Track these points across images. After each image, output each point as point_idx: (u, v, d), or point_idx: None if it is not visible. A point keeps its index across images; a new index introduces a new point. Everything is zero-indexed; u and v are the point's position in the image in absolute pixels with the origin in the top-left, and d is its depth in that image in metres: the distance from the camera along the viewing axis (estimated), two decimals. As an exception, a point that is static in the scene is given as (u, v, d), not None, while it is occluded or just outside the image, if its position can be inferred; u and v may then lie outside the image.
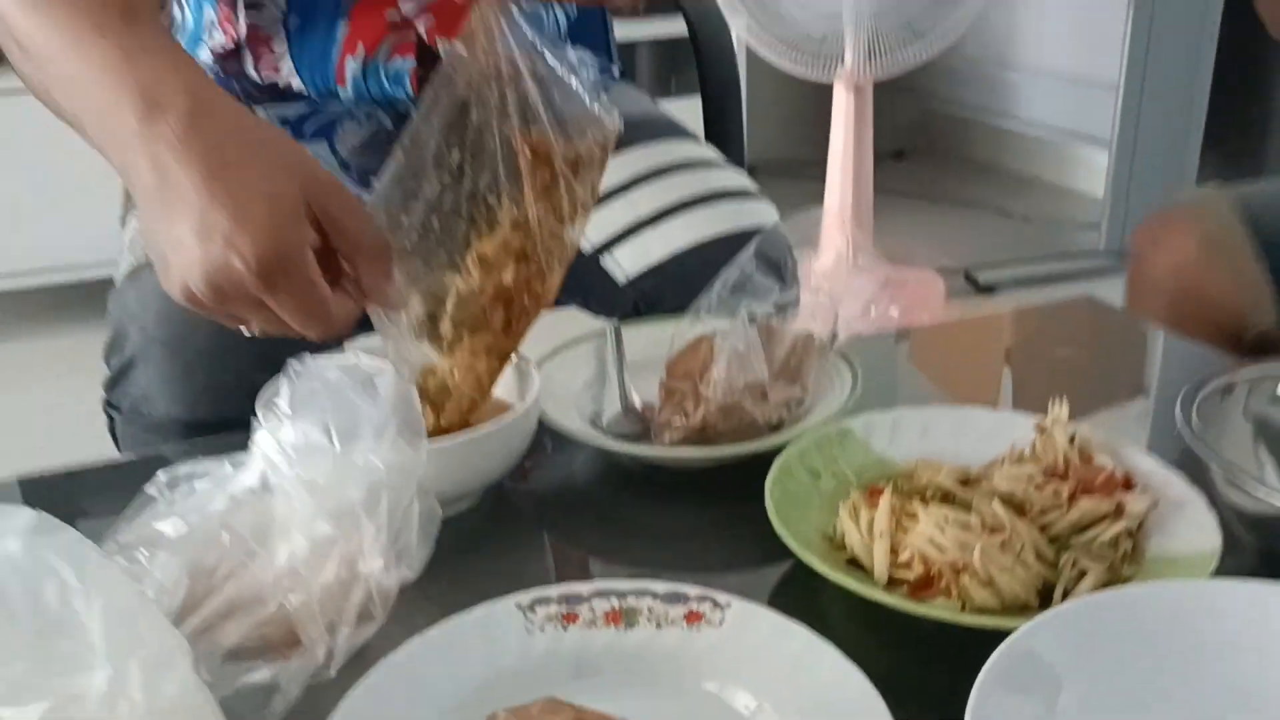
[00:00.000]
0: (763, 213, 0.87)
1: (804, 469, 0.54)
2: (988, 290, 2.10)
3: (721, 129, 1.03)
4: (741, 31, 1.90)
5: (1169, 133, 2.16)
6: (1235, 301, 0.80)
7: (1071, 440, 0.52)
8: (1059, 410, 0.53)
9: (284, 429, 0.45)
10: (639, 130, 0.87)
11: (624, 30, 1.17)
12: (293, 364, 0.55)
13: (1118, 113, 2.12)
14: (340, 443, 0.44)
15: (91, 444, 0.71)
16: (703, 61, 1.01)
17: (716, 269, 0.73)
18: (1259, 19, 0.86)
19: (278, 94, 0.85)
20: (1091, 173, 2.47)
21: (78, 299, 2.15)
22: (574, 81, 0.60)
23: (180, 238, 0.48)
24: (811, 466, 0.54)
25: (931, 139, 3.20)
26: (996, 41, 2.82)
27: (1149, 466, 0.51)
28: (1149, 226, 0.88)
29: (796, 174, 2.91)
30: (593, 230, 0.83)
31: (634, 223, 0.84)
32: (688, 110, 1.09)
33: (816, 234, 2.00)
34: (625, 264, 0.84)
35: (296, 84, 0.85)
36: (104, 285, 0.84)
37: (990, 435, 0.56)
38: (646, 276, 0.83)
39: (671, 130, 0.92)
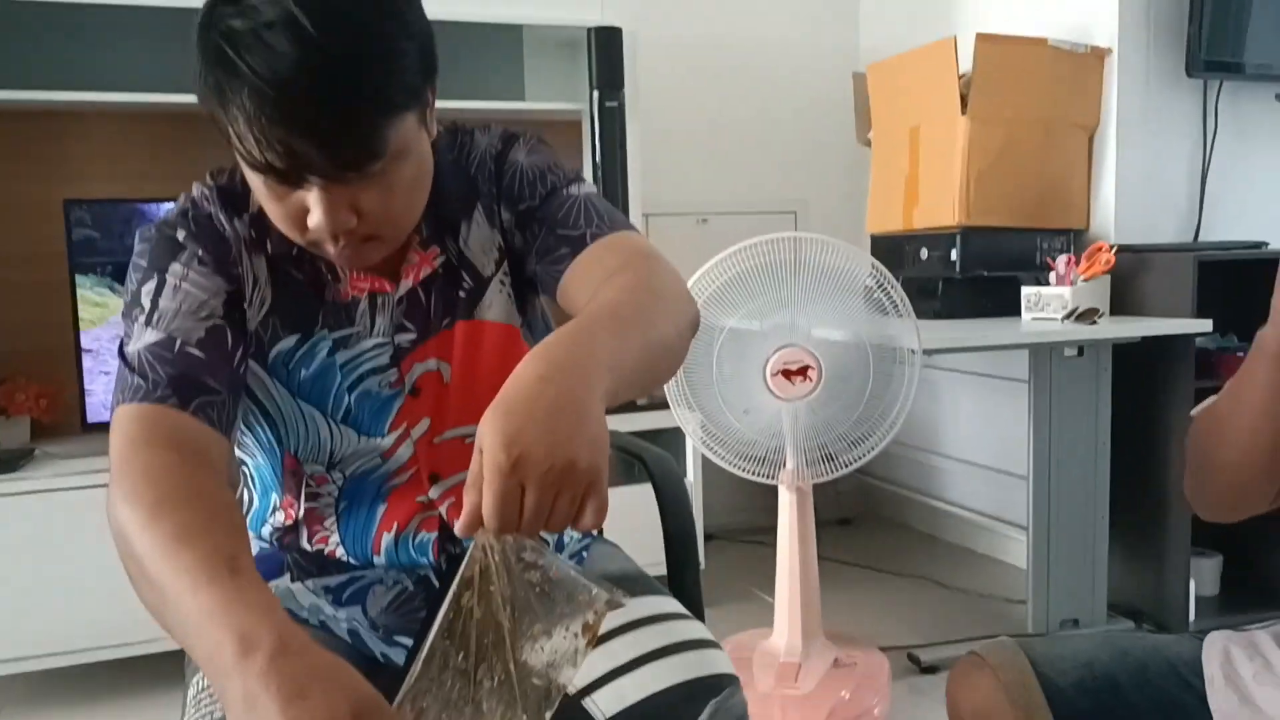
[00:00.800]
0: (719, 661, 1.04)
1: None
2: (930, 670, 2.26)
3: (681, 571, 1.23)
4: (696, 432, 2.18)
5: (1078, 518, 2.42)
6: None
7: None
8: None
9: None
10: (619, 588, 1.07)
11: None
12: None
13: (1030, 502, 2.39)
14: None
15: None
16: (666, 518, 1.24)
17: (680, 710, 0.90)
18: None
19: (321, 562, 1.05)
20: (1018, 550, 2.72)
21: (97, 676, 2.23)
22: (570, 571, 0.74)
23: None
24: None
25: (874, 509, 3.49)
26: (925, 433, 3.19)
27: None
28: (960, 669, 1.08)
29: (751, 539, 3.15)
30: (576, 675, 1.00)
31: (612, 669, 1.01)
32: (644, 493, 1.29)
33: (769, 617, 2.17)
34: (604, 706, 0.99)
35: (340, 553, 1.05)
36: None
37: None
38: (621, 716, 0.99)
39: (644, 586, 1.11)
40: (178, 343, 0.89)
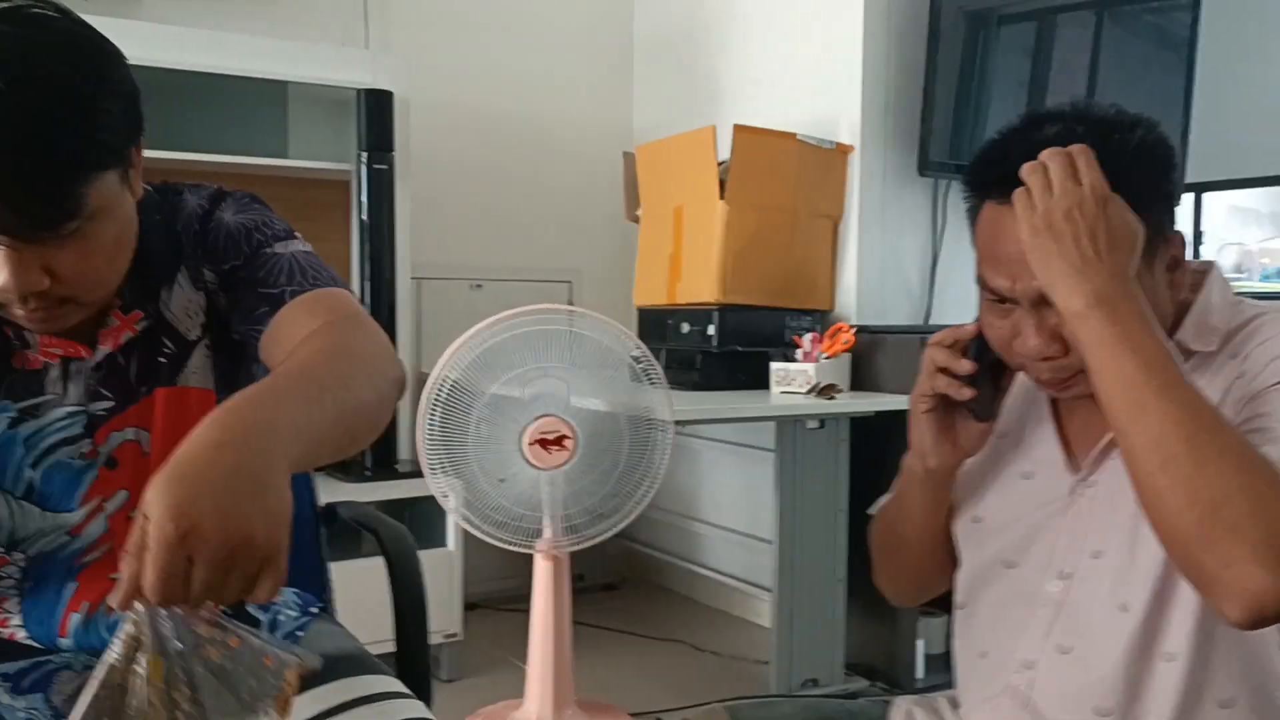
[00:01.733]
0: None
1: None
2: (678, 736, 2.31)
3: (410, 648, 1.22)
4: (452, 499, 2.15)
5: (818, 581, 2.56)
6: None
7: None
8: None
9: None
10: (334, 667, 1.04)
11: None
12: None
13: (774, 566, 2.51)
14: None
15: None
16: (396, 594, 1.22)
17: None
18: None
19: (0, 647, 0.97)
20: (768, 612, 2.84)
21: None
22: (254, 640, 0.71)
23: None
24: None
25: (639, 574, 3.56)
26: (685, 500, 3.30)
27: None
28: None
29: (514, 607, 3.13)
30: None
31: (320, 753, 0.98)
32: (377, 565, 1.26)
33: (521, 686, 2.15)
34: (310, 791, 0.96)
35: (21, 636, 0.97)
36: None
37: None
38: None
39: (363, 666, 1.08)
40: None
